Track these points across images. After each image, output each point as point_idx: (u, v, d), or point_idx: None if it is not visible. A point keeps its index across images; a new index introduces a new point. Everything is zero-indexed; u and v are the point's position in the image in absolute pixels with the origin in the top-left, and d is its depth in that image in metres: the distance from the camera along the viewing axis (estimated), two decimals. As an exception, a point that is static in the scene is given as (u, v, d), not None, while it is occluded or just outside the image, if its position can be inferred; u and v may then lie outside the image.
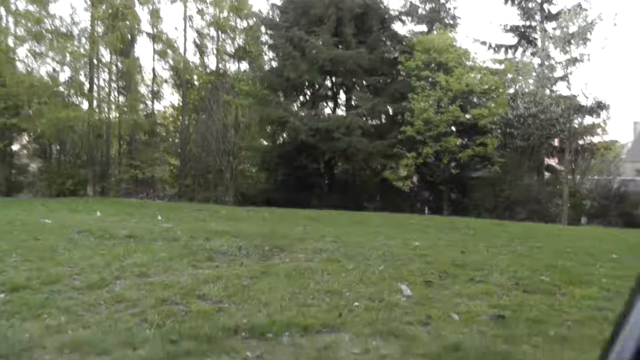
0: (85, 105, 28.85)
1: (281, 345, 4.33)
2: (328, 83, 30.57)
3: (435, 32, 29.14)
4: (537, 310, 5.75)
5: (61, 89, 28.18)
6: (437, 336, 4.64)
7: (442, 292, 6.40)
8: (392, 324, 4.89)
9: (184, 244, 9.10)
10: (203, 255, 8.10)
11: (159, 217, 14.37)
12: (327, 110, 31.14)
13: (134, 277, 6.55)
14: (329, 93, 31.21)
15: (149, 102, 33.81)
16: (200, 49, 33.53)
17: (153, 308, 5.16)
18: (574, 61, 28.96)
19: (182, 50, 32.51)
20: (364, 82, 29.76)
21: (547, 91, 29.18)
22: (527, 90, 29.07)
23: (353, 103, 30.30)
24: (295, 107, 30.32)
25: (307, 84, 29.76)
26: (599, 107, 28.04)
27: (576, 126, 27.53)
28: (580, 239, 12.60)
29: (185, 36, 32.67)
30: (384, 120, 30.51)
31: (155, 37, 31.69)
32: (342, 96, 31.48)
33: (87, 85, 28.64)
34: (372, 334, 4.61)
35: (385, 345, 4.40)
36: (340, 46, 28.79)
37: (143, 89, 33.71)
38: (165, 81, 34.19)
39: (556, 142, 29.03)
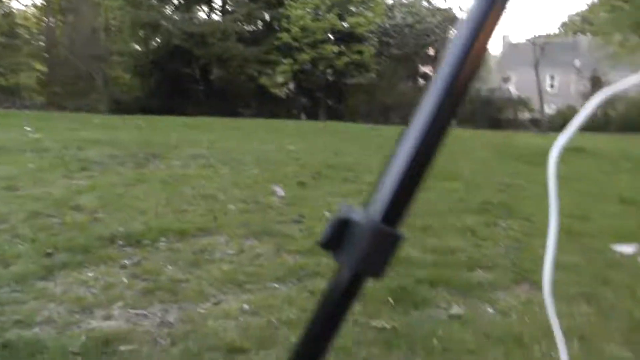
0: None
1: (158, 250, 4.41)
2: (203, -15, 29.48)
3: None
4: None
5: None
6: (309, 233, 4.90)
7: (315, 192, 6.70)
8: (266, 225, 5.10)
9: (55, 155, 8.76)
10: (76, 165, 7.87)
11: (27, 128, 13.62)
12: (202, 15, 30.15)
13: (2, 190, 6.28)
14: (204, -4, 30.14)
15: (5, 0, 31.04)
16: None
17: (24, 222, 5.02)
18: (450, -26, 29.65)
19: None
20: (241, -14, 28.98)
21: (424, 2, 29.81)
22: (404, 1, 29.55)
23: (229, 8, 29.49)
24: (168, 10, 29.09)
25: (180, -15, 28.55)
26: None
27: (450, 36, 28.58)
28: (451, 140, 13.37)
29: None
30: (260, 27, 30.06)
31: None
32: (218, 0, 30.51)
33: None
34: (247, 235, 4.80)
35: (260, 244, 4.61)
36: (216, -53, 27.68)
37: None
38: (24, -24, 31.37)
39: (431, 51, 30.04)
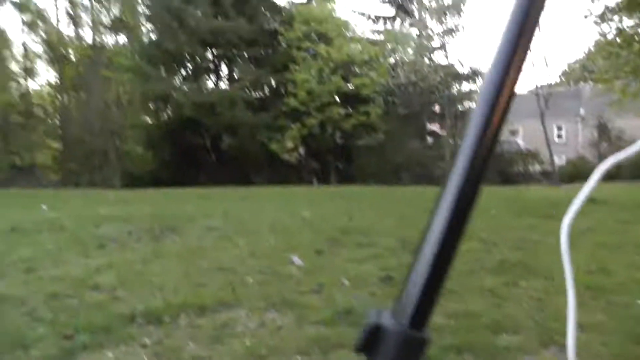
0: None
1: (179, 327, 4.38)
2: (209, 55, 30.17)
3: (314, 3, 29.39)
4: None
5: None
6: (329, 302, 4.86)
7: (332, 259, 6.69)
8: (285, 295, 5.08)
9: (72, 233, 8.84)
10: (93, 243, 7.92)
11: (44, 207, 13.78)
12: (210, 84, 30.76)
13: (20, 273, 6.30)
14: (211, 66, 30.81)
15: (22, 80, 31.69)
16: (74, 20, 31.81)
17: (44, 304, 5.01)
18: (449, 31, 30.26)
19: (54, 22, 30.68)
20: (245, 53, 29.60)
21: (426, 60, 30.31)
22: (406, 59, 30.08)
23: (235, 75, 30.10)
24: (177, 81, 29.73)
25: (188, 56, 29.22)
26: (474, 74, 29.60)
27: (455, 92, 28.97)
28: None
29: (56, 5, 30.82)
30: (267, 93, 30.59)
31: (22, 7, 29.61)
32: (224, 69, 31.17)
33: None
34: (267, 307, 4.77)
35: (280, 316, 4.58)
36: (219, 16, 28.42)
37: (14, 66, 31.53)
38: (39, 56, 32.12)
39: (437, 109, 30.34)
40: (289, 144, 29.99)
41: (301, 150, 30.54)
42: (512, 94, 0.59)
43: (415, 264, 0.60)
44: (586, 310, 4.52)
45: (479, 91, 0.61)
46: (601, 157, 30.19)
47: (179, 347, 3.93)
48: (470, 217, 0.61)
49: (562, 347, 3.81)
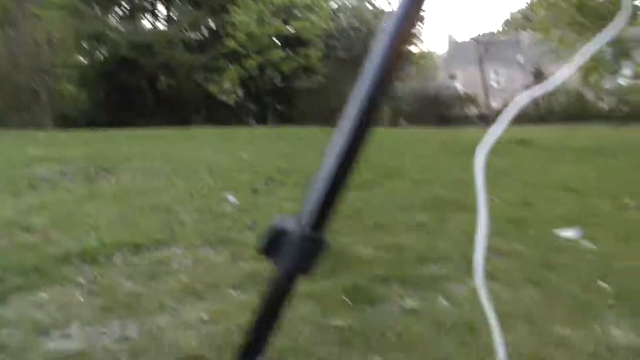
0: None
1: (114, 266, 4.37)
2: (146, -6, 29.23)
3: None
4: (356, 203, 6.31)
5: None
6: (264, 239, 4.94)
7: (268, 198, 6.77)
8: (220, 233, 5.13)
9: (1, 174, 8.58)
10: (24, 184, 7.70)
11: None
12: (147, 24, 29.87)
13: (-54, 215, 6.12)
14: (148, 6, 29.84)
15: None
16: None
17: (-29, 247, 4.91)
18: (392, -23, 30.06)
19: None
20: (184, -6, 28.82)
21: (368, 5, 30.19)
22: (349, 4, 29.92)
23: (173, 16, 29.30)
24: (112, 20, 28.74)
25: (124, -5, 28.24)
26: (415, 20, 29.71)
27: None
28: (399, 138, 13.62)
29: None
30: (206, 34, 29.96)
31: None
32: (162, 9, 30.26)
33: None
34: (203, 244, 4.82)
35: (216, 253, 4.64)
36: (156, -45, 27.47)
37: None
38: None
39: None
40: (227, 86, 29.62)
41: (240, 92, 30.20)
42: (404, 45, 0.65)
43: (318, 175, 0.65)
44: (506, 240, 4.75)
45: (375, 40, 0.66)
46: (535, 102, 31.08)
47: (115, 285, 3.94)
48: (364, 144, 0.66)
49: (487, 273, 4.02)
